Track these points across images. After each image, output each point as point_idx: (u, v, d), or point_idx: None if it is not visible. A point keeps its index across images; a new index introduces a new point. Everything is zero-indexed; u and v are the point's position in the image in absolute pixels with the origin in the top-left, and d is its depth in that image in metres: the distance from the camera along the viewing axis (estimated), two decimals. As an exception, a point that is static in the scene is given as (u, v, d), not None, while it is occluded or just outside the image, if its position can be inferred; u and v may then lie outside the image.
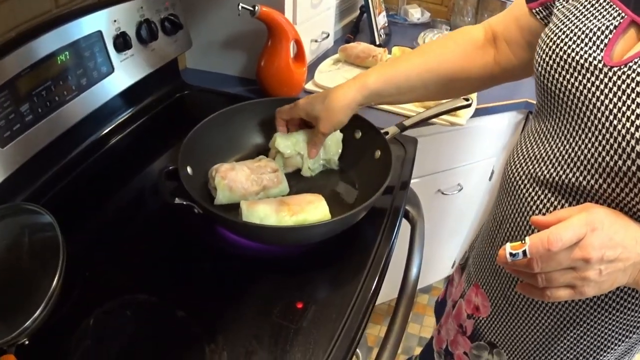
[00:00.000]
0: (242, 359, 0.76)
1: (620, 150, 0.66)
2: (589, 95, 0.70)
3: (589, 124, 0.71)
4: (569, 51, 0.72)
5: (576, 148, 0.73)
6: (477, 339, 1.05)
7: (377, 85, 1.00)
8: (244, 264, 0.93)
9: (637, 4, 0.68)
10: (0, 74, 0.89)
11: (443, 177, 1.83)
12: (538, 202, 0.81)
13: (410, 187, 1.15)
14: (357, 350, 0.83)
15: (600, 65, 0.68)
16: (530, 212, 0.82)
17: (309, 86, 1.55)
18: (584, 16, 0.73)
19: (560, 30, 0.75)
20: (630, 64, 0.65)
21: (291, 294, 0.87)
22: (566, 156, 0.75)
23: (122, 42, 1.14)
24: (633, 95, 0.65)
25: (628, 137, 0.65)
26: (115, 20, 1.12)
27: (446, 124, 1.45)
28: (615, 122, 0.67)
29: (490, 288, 0.98)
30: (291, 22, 1.41)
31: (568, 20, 0.75)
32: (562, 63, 0.73)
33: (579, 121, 0.73)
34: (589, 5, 0.74)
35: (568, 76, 0.73)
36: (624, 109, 0.65)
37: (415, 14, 2.22)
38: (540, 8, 0.88)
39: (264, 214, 0.91)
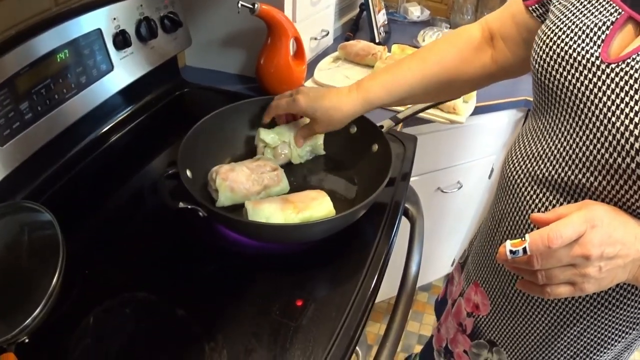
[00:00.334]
0: (242, 356, 0.76)
1: (619, 148, 0.66)
2: (587, 92, 0.70)
3: (587, 121, 0.71)
4: (566, 48, 0.72)
5: (574, 145, 0.73)
6: (477, 337, 1.05)
7: (380, 99, 1.02)
8: (244, 262, 0.93)
9: (634, 0, 0.68)
10: (-1, 72, 0.89)
11: (443, 175, 1.83)
12: (537, 200, 0.81)
13: (410, 185, 1.15)
14: (357, 348, 0.83)
15: (597, 62, 0.68)
16: (529, 211, 0.82)
17: (309, 84, 1.55)
18: (581, 13, 0.73)
19: (556, 27, 0.75)
20: (628, 61, 0.65)
21: (291, 292, 0.87)
22: (564, 154, 0.75)
23: (121, 40, 1.14)
24: (631, 92, 0.65)
25: (627, 134, 0.65)
26: (114, 18, 1.12)
27: (446, 122, 1.45)
28: (613, 119, 0.67)
29: (490, 286, 0.98)
30: (291, 19, 1.41)
31: (564, 16, 0.75)
32: (559, 60, 0.73)
33: (577, 118, 0.72)
34: (585, 2, 0.73)
35: (565, 73, 0.73)
36: (622, 106, 0.65)
37: (415, 11, 2.22)
38: (537, 5, 0.88)
39: (269, 212, 0.91)
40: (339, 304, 0.85)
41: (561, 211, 0.67)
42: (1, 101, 0.89)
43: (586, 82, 0.70)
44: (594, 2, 0.72)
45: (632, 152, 0.65)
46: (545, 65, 0.76)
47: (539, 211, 0.81)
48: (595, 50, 0.69)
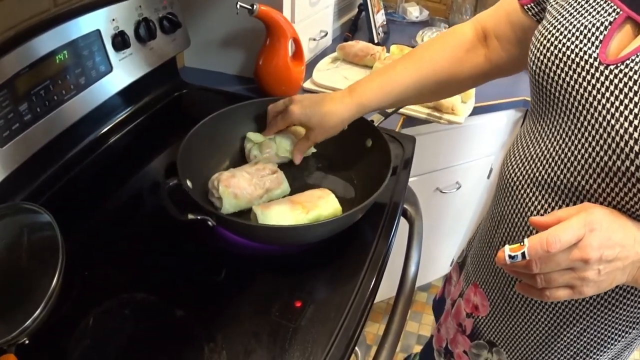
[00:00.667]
0: (241, 357, 0.76)
1: (618, 151, 0.66)
2: (585, 94, 0.69)
3: (585, 123, 0.70)
4: (564, 49, 0.71)
5: (572, 148, 0.73)
6: (477, 338, 1.05)
7: (375, 103, 1.02)
8: (243, 263, 0.93)
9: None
10: (-2, 73, 0.89)
11: (441, 175, 1.83)
12: (536, 202, 0.80)
13: (409, 186, 1.15)
14: (356, 348, 0.83)
15: (595, 63, 0.68)
16: (528, 213, 0.82)
17: (308, 85, 1.55)
18: (578, 13, 0.72)
19: (553, 27, 0.74)
20: (627, 62, 0.65)
21: (290, 293, 0.87)
22: (562, 156, 0.75)
23: (120, 41, 1.14)
24: (630, 94, 0.64)
25: (626, 137, 0.64)
26: (113, 19, 1.12)
27: (444, 122, 1.45)
28: (612, 121, 0.66)
29: (489, 287, 0.98)
30: (289, 20, 1.41)
31: (562, 17, 0.74)
32: (556, 61, 0.73)
33: (575, 120, 0.72)
34: (583, 2, 0.73)
35: (563, 74, 0.72)
36: (621, 108, 0.65)
37: (414, 12, 2.22)
38: (532, 4, 0.88)
39: (279, 215, 0.91)
40: (338, 305, 0.85)
41: (560, 214, 0.67)
42: (0, 102, 0.89)
43: (584, 83, 0.69)
44: (591, 1, 0.72)
45: (632, 155, 0.65)
46: (543, 67, 0.75)
47: (537, 213, 0.81)
48: (594, 52, 0.68)
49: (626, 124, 0.64)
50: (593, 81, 0.68)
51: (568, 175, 0.74)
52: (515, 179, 0.84)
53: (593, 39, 0.69)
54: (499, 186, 0.92)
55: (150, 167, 1.17)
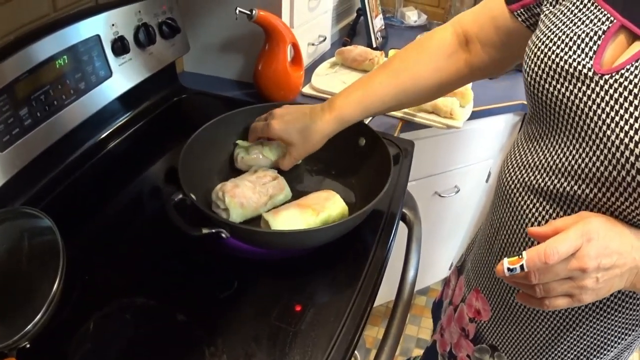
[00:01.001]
0: (241, 361, 0.77)
1: (614, 161, 0.66)
2: (581, 105, 0.69)
3: (582, 133, 0.70)
4: (557, 60, 0.71)
5: (570, 157, 0.73)
6: (479, 342, 1.05)
7: (354, 117, 1.02)
8: (243, 267, 0.93)
9: (626, 7, 0.67)
10: (-1, 78, 0.89)
11: (440, 179, 1.83)
12: (534, 210, 0.80)
13: (408, 190, 1.15)
14: (355, 352, 0.83)
15: (590, 74, 0.67)
16: (527, 221, 0.82)
17: (306, 89, 1.55)
18: (571, 22, 0.71)
19: (547, 38, 0.73)
20: (622, 72, 0.64)
21: (289, 297, 0.87)
22: (560, 165, 0.74)
23: (120, 46, 1.14)
24: (626, 105, 0.64)
25: (622, 147, 0.64)
26: (113, 24, 1.12)
27: (443, 127, 1.46)
28: (608, 132, 0.66)
29: (490, 293, 0.98)
30: (288, 25, 1.42)
31: (555, 26, 0.74)
32: (551, 72, 0.72)
33: (572, 130, 0.72)
34: (576, 10, 0.72)
35: (558, 86, 0.71)
36: (617, 119, 0.65)
37: (412, 16, 2.23)
38: (522, 10, 0.87)
39: (291, 219, 0.92)
40: (337, 309, 0.85)
41: (558, 224, 0.67)
42: (0, 107, 0.89)
43: (580, 94, 0.69)
44: (584, 10, 0.71)
45: (628, 166, 0.64)
46: (537, 78, 0.74)
47: (536, 221, 0.80)
48: (588, 62, 0.67)
49: (622, 135, 0.64)
50: (588, 92, 0.68)
51: (565, 184, 0.74)
52: (513, 186, 0.84)
53: (587, 49, 0.68)
54: (497, 193, 0.92)
55: (150, 172, 1.17)
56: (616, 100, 0.65)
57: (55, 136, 1.03)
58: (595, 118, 0.67)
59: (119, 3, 1.14)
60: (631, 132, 0.63)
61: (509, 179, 0.86)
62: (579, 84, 0.68)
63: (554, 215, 0.78)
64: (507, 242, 0.88)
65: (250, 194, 0.96)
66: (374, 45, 1.89)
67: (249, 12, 1.29)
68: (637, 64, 0.64)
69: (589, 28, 0.69)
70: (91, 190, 1.10)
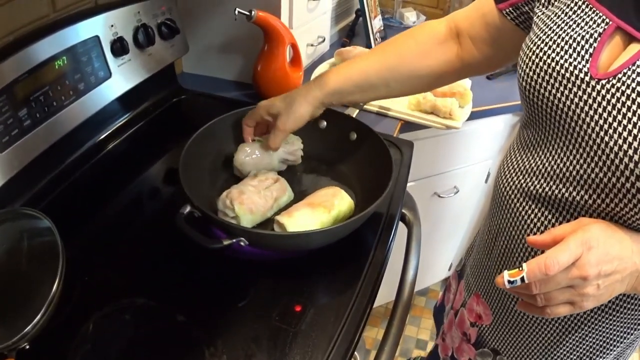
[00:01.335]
0: (241, 362, 0.76)
1: (612, 167, 0.65)
2: (577, 110, 0.68)
3: (579, 139, 0.69)
4: (553, 64, 0.70)
5: (567, 163, 0.72)
6: (481, 346, 1.05)
7: (337, 84, 1.00)
8: (243, 267, 0.93)
9: (621, 8, 0.66)
10: (-2, 79, 0.89)
11: (439, 180, 1.83)
12: (532, 216, 0.80)
13: (407, 191, 1.15)
14: (355, 352, 0.83)
15: (586, 78, 0.66)
16: (525, 227, 0.82)
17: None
18: (566, 24, 0.70)
19: (541, 41, 0.72)
20: (619, 76, 0.63)
21: (290, 298, 0.87)
22: (557, 170, 0.74)
23: (119, 47, 1.14)
24: (623, 110, 0.63)
25: (620, 153, 0.64)
26: (112, 25, 1.12)
27: (442, 127, 1.46)
28: (606, 138, 0.65)
29: (490, 298, 0.98)
30: (287, 26, 1.42)
31: (549, 28, 0.72)
32: (546, 77, 0.71)
33: (568, 136, 0.71)
34: (570, 12, 0.71)
35: (554, 91, 0.70)
36: (614, 124, 0.64)
37: (411, 17, 2.23)
38: (511, 9, 0.86)
39: (305, 219, 0.92)
40: (337, 309, 0.85)
41: (557, 232, 0.67)
42: (0, 108, 0.89)
43: (576, 99, 0.68)
44: (579, 11, 0.70)
45: (627, 172, 0.64)
46: (532, 82, 0.73)
47: (534, 227, 0.80)
48: (584, 66, 0.66)
49: (620, 141, 0.64)
50: (585, 97, 0.67)
51: (563, 190, 0.73)
52: (510, 191, 0.84)
53: (583, 52, 0.67)
54: (494, 198, 0.92)
55: (149, 173, 1.17)
56: (613, 105, 0.64)
57: (55, 137, 1.03)
58: (592, 123, 0.67)
59: (118, 4, 1.14)
60: (629, 138, 0.63)
61: (505, 184, 0.85)
62: (575, 89, 0.68)
63: (552, 221, 0.77)
64: (506, 247, 0.88)
65: (257, 199, 0.96)
66: (373, 46, 1.89)
67: (248, 13, 1.29)
68: (633, 67, 0.63)
69: (584, 30, 0.68)
70: (90, 191, 1.10)
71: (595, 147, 0.67)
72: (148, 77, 1.27)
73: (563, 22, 0.71)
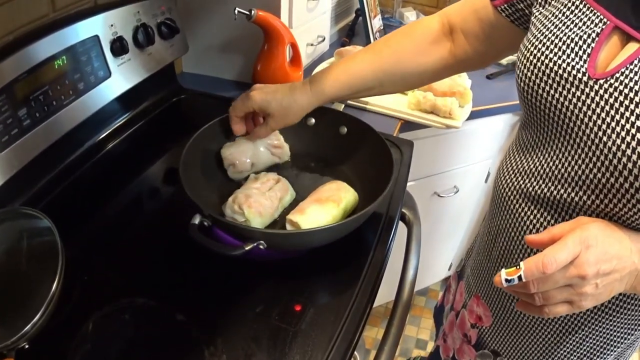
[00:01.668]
0: (241, 361, 0.76)
1: (611, 168, 0.65)
2: (575, 111, 0.68)
3: (578, 139, 0.69)
4: (551, 64, 0.70)
5: (565, 163, 0.72)
6: (481, 348, 1.05)
7: (334, 91, 1.01)
8: (243, 267, 0.93)
9: (619, 7, 0.66)
10: (-3, 78, 0.89)
11: (439, 179, 1.83)
12: (531, 217, 0.80)
13: (407, 190, 1.15)
14: (355, 352, 0.83)
15: (584, 78, 0.66)
16: (524, 227, 0.82)
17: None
18: (564, 24, 0.70)
19: (539, 41, 0.72)
20: (617, 76, 0.63)
21: (289, 297, 0.87)
22: (555, 171, 0.74)
23: (119, 47, 1.14)
24: (622, 110, 0.63)
25: (619, 154, 0.64)
26: (112, 25, 1.12)
27: (442, 127, 1.46)
28: (604, 138, 0.65)
29: (490, 299, 0.98)
30: (287, 26, 1.42)
31: (547, 29, 0.72)
32: (544, 77, 0.71)
33: (567, 136, 0.71)
34: (567, 12, 0.71)
35: (552, 91, 0.70)
36: (612, 124, 0.64)
37: (410, 16, 2.23)
38: (506, 5, 0.86)
39: (317, 215, 0.92)
40: (337, 309, 0.85)
41: (555, 231, 0.67)
42: (-1, 107, 0.89)
43: (574, 100, 0.68)
44: (576, 11, 0.70)
45: (625, 172, 0.64)
46: (530, 83, 0.73)
47: (533, 227, 0.80)
48: (582, 66, 0.66)
49: (618, 141, 0.63)
50: (583, 97, 0.67)
51: (562, 190, 0.73)
52: (509, 192, 0.84)
53: (581, 52, 0.67)
54: (494, 200, 0.91)
55: (149, 172, 1.17)
56: (611, 105, 0.64)
57: (54, 136, 1.03)
58: (591, 124, 0.66)
59: (117, 3, 1.14)
60: (627, 138, 0.62)
61: (504, 186, 0.85)
62: (573, 89, 0.68)
63: (552, 221, 0.77)
64: (506, 248, 0.88)
65: (264, 201, 0.95)
66: (373, 46, 1.88)
67: (247, 13, 1.29)
68: (631, 66, 0.63)
69: (581, 30, 0.68)
70: (90, 191, 1.10)
71: (593, 147, 0.67)
72: (148, 77, 1.27)
73: (561, 22, 0.71)
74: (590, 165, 0.68)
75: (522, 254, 0.84)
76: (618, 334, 0.86)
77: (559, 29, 0.71)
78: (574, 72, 0.67)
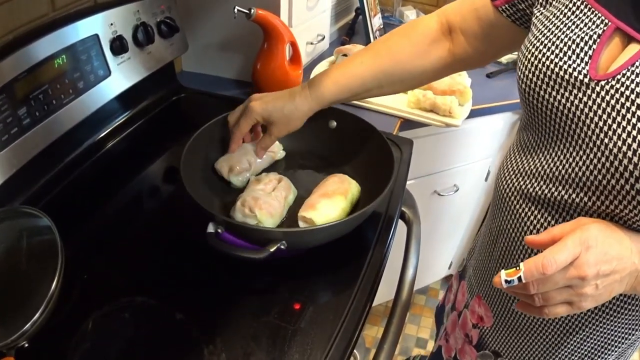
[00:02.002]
0: (241, 360, 0.76)
1: (612, 169, 0.65)
2: (577, 113, 0.68)
3: (579, 141, 0.69)
4: (552, 66, 0.69)
5: (566, 165, 0.72)
6: (482, 348, 1.05)
7: (334, 95, 1.00)
8: (242, 265, 0.93)
9: (620, 8, 0.65)
10: (-3, 77, 0.89)
11: (439, 178, 1.83)
12: (532, 217, 0.80)
13: (407, 189, 1.15)
14: (355, 351, 0.83)
15: (586, 80, 0.66)
16: (525, 228, 0.82)
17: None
18: (565, 25, 0.70)
19: (540, 43, 0.72)
20: (618, 77, 0.63)
21: (289, 296, 0.87)
22: (557, 172, 0.74)
23: (118, 46, 1.14)
24: (623, 111, 0.63)
25: (620, 156, 0.63)
26: (111, 24, 1.12)
27: (441, 125, 1.46)
28: (606, 140, 0.65)
29: (491, 300, 0.98)
30: (287, 24, 1.42)
31: (548, 30, 0.72)
32: (545, 79, 0.71)
33: (568, 138, 0.71)
34: (569, 13, 0.71)
35: (554, 93, 0.70)
36: (614, 126, 0.64)
37: (411, 15, 2.23)
38: (507, 6, 0.86)
39: (328, 210, 0.93)
40: (336, 307, 0.85)
41: (555, 232, 0.66)
42: (-1, 107, 0.89)
43: (576, 101, 0.67)
44: (577, 12, 0.70)
45: (626, 174, 0.64)
46: (532, 85, 0.73)
47: (534, 228, 0.80)
48: (583, 68, 0.66)
49: (619, 142, 0.63)
50: (585, 99, 0.66)
51: (563, 192, 0.73)
52: (509, 193, 0.84)
53: (582, 54, 0.67)
54: (495, 200, 0.91)
55: (149, 171, 1.17)
56: (613, 107, 0.64)
57: (54, 135, 1.03)
58: (592, 125, 0.66)
59: (117, 2, 1.14)
60: (629, 140, 0.62)
61: (505, 187, 0.85)
62: (575, 91, 0.67)
63: (552, 222, 0.77)
64: (507, 249, 0.88)
65: (272, 201, 0.95)
66: (373, 45, 1.88)
67: (247, 11, 1.29)
68: (633, 68, 0.63)
69: (583, 32, 0.68)
70: (90, 190, 1.10)
71: (595, 149, 0.67)
72: (147, 76, 1.27)
73: (562, 23, 0.71)
74: (591, 166, 0.68)
75: (523, 255, 0.84)
76: (619, 334, 0.86)
77: (560, 30, 0.70)
78: (576, 73, 0.67)
